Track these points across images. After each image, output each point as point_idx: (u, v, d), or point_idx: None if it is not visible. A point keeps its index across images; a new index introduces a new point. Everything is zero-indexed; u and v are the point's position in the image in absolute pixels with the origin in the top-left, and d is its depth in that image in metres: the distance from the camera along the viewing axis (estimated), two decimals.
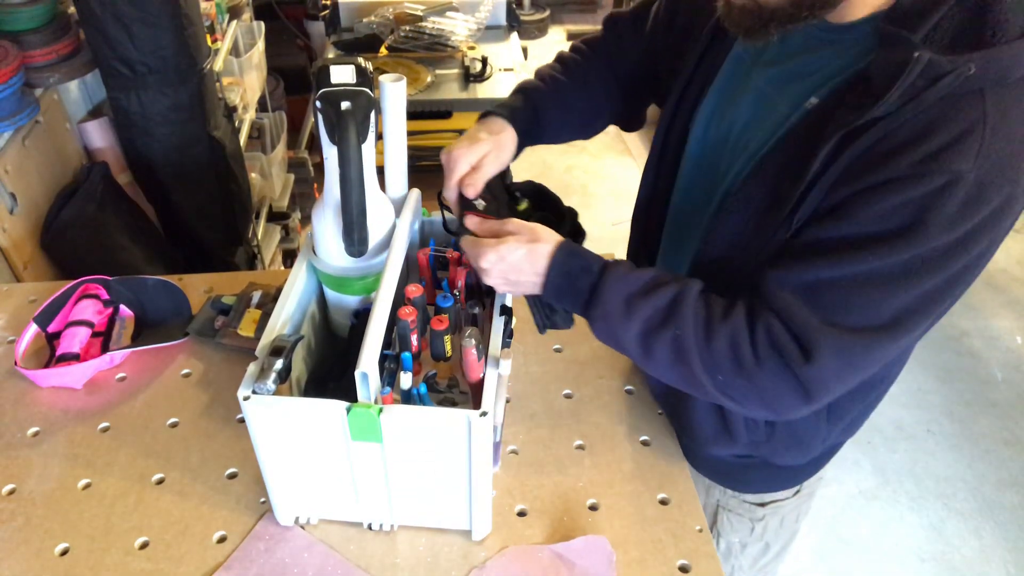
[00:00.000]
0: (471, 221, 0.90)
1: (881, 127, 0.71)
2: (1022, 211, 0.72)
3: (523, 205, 0.98)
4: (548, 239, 0.85)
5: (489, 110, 1.03)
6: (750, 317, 0.78)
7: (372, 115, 0.85)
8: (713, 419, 0.96)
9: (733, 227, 0.85)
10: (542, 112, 1.04)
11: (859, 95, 0.72)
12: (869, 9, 0.75)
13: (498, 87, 2.35)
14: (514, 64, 2.45)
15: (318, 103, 0.84)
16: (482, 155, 0.96)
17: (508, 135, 1.00)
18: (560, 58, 1.12)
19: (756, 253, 0.82)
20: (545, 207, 1.00)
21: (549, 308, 0.91)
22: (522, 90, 1.07)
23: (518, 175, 1.04)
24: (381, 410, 0.78)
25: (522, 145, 1.03)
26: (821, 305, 0.75)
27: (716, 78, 0.92)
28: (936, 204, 0.69)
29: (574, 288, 0.84)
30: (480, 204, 0.92)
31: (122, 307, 1.21)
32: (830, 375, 0.76)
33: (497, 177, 0.97)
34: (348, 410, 0.78)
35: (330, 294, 1.00)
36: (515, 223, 0.87)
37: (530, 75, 1.11)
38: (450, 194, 0.96)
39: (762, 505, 1.08)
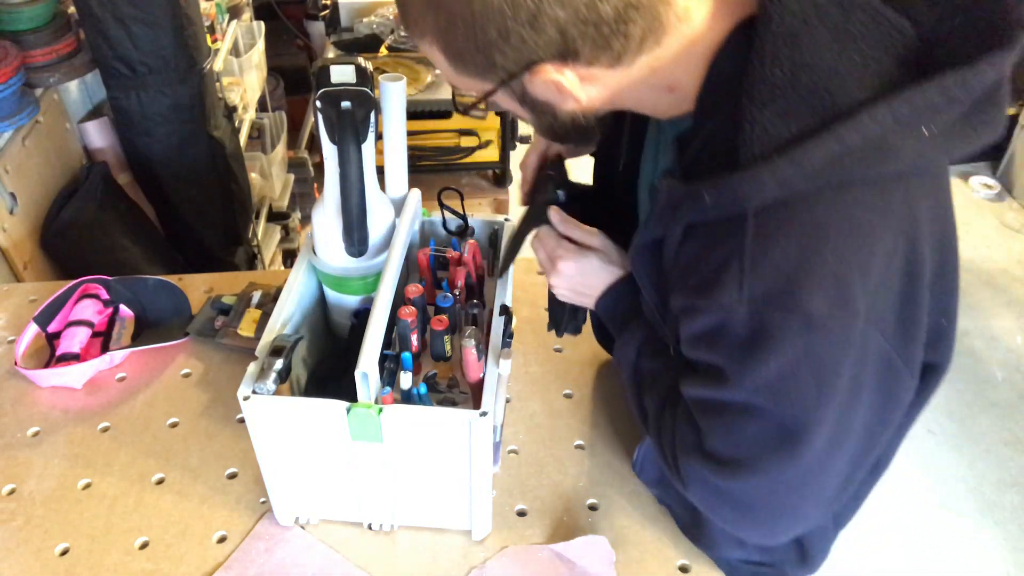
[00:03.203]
0: (556, 215, 0.86)
1: (669, 245, 0.67)
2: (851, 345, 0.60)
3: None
4: (623, 266, 0.84)
5: None
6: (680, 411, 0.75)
7: (372, 115, 0.85)
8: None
9: None
10: None
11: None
12: (677, 111, 0.68)
13: None
14: None
15: (318, 103, 0.84)
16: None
17: None
18: None
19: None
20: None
21: (572, 313, 0.92)
22: None
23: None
24: (381, 410, 0.78)
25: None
26: (692, 422, 0.71)
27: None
28: (719, 341, 0.63)
29: (616, 317, 0.85)
30: (560, 196, 0.88)
31: (122, 307, 1.21)
32: (704, 498, 0.72)
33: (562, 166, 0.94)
34: (348, 410, 0.78)
35: (330, 294, 1.00)
36: (603, 240, 0.85)
37: None
38: (531, 160, 0.93)
39: None
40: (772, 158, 0.56)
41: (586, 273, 0.84)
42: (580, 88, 0.63)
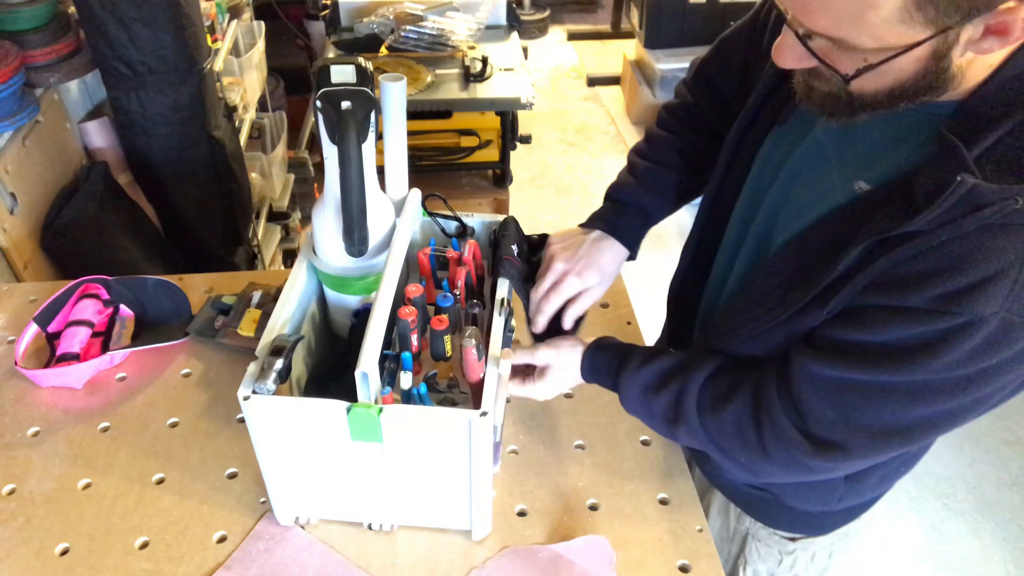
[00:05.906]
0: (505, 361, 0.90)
1: (915, 244, 0.65)
2: None
3: (537, 258, 1.03)
4: (576, 347, 0.93)
5: (600, 227, 1.03)
6: (756, 402, 0.80)
7: (372, 115, 0.85)
8: None
9: (759, 294, 0.81)
10: (651, 215, 1.05)
11: (901, 200, 0.66)
12: (936, 95, 0.67)
13: (498, 87, 2.35)
14: (514, 64, 2.44)
15: (318, 103, 0.84)
16: (585, 289, 0.99)
17: (617, 266, 1.02)
18: (649, 138, 1.09)
19: (777, 326, 0.79)
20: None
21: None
22: (623, 199, 1.05)
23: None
24: (381, 410, 0.78)
25: (630, 258, 1.05)
26: (839, 403, 0.74)
27: (783, 118, 0.86)
28: (953, 342, 0.65)
29: (605, 383, 0.92)
30: (514, 250, 0.99)
31: (122, 307, 1.21)
32: (841, 467, 0.79)
33: (519, 233, 1.02)
34: (348, 410, 0.78)
35: (330, 294, 1.00)
36: (541, 352, 0.93)
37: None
38: (548, 308, 0.98)
39: (793, 539, 1.06)
40: None
41: (560, 356, 0.92)
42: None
